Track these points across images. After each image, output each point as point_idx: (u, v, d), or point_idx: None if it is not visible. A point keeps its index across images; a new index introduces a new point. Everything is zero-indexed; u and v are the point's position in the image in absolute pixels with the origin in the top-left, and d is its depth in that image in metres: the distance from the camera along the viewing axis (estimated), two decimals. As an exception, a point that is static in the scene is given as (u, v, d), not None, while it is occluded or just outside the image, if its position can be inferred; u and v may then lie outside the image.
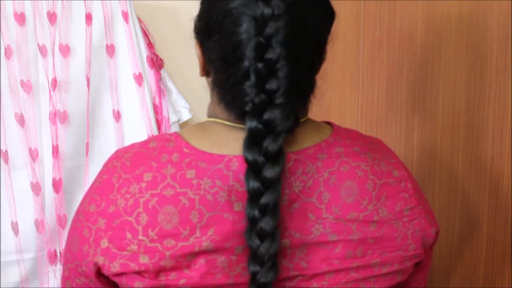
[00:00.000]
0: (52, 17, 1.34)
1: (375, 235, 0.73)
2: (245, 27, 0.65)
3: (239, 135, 0.70)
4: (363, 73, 1.41)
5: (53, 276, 1.36)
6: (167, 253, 0.67)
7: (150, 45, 1.47)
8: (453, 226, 1.22)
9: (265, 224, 0.65)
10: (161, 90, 1.47)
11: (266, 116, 0.65)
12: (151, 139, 0.74)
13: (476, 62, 1.14)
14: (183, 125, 1.56)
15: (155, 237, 0.67)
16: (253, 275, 0.67)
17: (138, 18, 1.45)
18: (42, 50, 1.34)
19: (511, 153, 1.10)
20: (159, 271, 0.67)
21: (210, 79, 0.74)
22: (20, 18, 1.31)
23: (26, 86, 1.32)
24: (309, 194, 0.70)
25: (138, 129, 1.43)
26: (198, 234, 0.67)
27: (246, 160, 0.66)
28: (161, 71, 1.48)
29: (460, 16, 1.16)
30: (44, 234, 1.33)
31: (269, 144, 0.65)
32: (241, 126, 0.71)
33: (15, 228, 1.31)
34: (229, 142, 0.71)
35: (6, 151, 1.31)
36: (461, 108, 1.18)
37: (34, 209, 1.33)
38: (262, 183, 0.65)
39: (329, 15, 0.73)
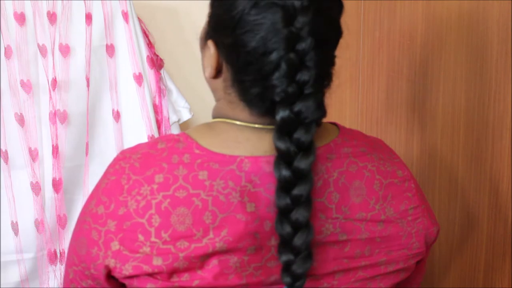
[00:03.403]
0: (52, 17, 1.34)
1: (382, 234, 0.74)
2: (276, 18, 0.65)
3: (250, 135, 0.71)
4: (363, 73, 1.41)
5: (53, 276, 1.35)
6: (181, 255, 0.66)
7: (150, 45, 1.47)
8: (453, 226, 1.22)
9: (300, 215, 0.66)
10: (161, 90, 1.47)
11: (298, 106, 0.65)
12: (158, 140, 0.73)
13: (476, 62, 1.14)
14: (183, 125, 1.56)
15: (168, 239, 0.66)
16: (287, 265, 0.67)
17: (138, 18, 1.44)
18: (42, 50, 1.34)
19: (511, 153, 1.10)
20: (172, 273, 0.67)
21: (222, 79, 0.73)
22: (20, 18, 1.31)
23: (26, 86, 1.32)
24: (319, 194, 0.71)
25: (138, 129, 1.43)
26: (211, 235, 0.67)
27: (278, 149, 0.65)
28: (161, 71, 1.48)
29: (460, 16, 1.16)
30: (44, 234, 1.33)
31: (301, 135, 0.65)
32: (252, 125, 0.71)
33: (15, 228, 1.31)
34: (240, 143, 0.70)
35: (6, 151, 1.31)
36: (461, 108, 1.18)
37: (34, 209, 1.32)
38: (294, 173, 0.65)
39: (341, 9, 0.74)
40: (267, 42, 0.66)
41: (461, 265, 1.21)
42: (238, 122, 0.72)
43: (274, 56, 0.65)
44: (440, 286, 1.27)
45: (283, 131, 0.66)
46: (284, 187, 0.66)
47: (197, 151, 0.69)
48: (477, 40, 1.14)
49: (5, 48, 1.30)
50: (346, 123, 1.42)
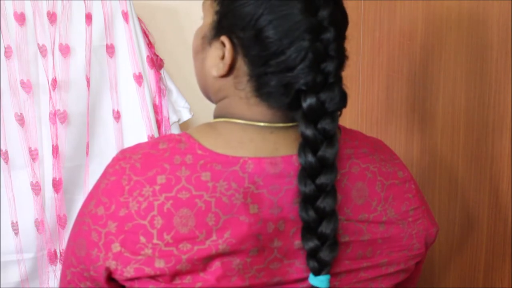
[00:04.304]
0: (52, 17, 1.34)
1: (383, 236, 0.74)
2: (299, 8, 0.66)
3: (253, 136, 0.70)
4: (363, 73, 1.41)
5: (53, 276, 1.35)
6: (184, 257, 0.66)
7: (150, 45, 1.47)
8: (453, 226, 1.22)
9: (327, 204, 0.67)
10: (161, 90, 1.46)
11: (324, 95, 0.66)
12: (160, 140, 0.72)
13: (476, 62, 1.14)
14: (183, 125, 1.56)
15: (170, 241, 0.66)
16: (314, 251, 0.67)
17: (138, 18, 1.44)
18: (42, 50, 1.33)
19: (511, 153, 1.10)
20: (174, 275, 0.66)
21: (232, 76, 0.72)
22: (20, 18, 1.31)
23: (26, 86, 1.32)
24: None
25: (138, 129, 1.43)
26: (214, 237, 0.66)
27: (305, 136, 0.66)
28: (161, 71, 1.48)
29: (460, 16, 1.16)
30: (44, 234, 1.33)
31: (327, 124, 0.66)
32: (257, 123, 0.71)
33: (15, 228, 1.31)
34: (243, 144, 0.70)
35: (6, 151, 1.31)
36: (461, 108, 1.18)
37: (34, 209, 1.32)
38: (319, 161, 0.66)
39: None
40: (292, 33, 0.66)
41: (461, 265, 1.21)
42: (241, 121, 0.71)
43: (301, 46, 0.66)
44: (440, 286, 1.27)
45: (309, 119, 0.66)
46: (309, 174, 0.66)
47: (199, 152, 0.69)
48: (477, 40, 1.14)
49: (5, 48, 1.30)
50: (346, 123, 1.42)
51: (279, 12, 0.66)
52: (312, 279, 0.68)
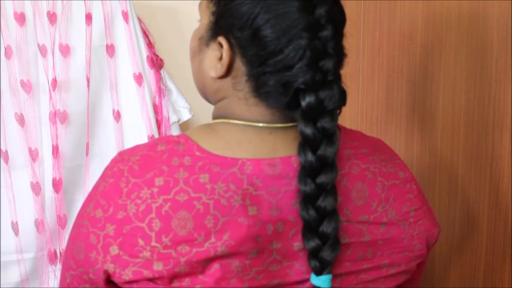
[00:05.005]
0: (52, 17, 1.34)
1: (384, 237, 0.73)
2: (296, 6, 0.66)
3: (252, 137, 0.70)
4: (363, 73, 1.41)
5: (53, 276, 1.35)
6: (182, 260, 0.65)
7: (150, 45, 1.47)
8: (453, 226, 1.22)
9: (327, 203, 0.66)
10: (161, 90, 1.46)
11: (323, 94, 0.66)
12: (158, 141, 0.72)
13: (476, 62, 1.14)
14: (183, 125, 1.56)
15: (168, 244, 0.65)
16: (315, 251, 0.67)
17: (138, 18, 1.44)
18: (42, 50, 1.33)
19: (511, 153, 1.10)
20: (173, 278, 0.66)
21: (230, 77, 0.72)
22: (20, 18, 1.31)
23: (26, 86, 1.32)
24: None
25: (138, 129, 1.43)
26: (213, 239, 0.66)
27: (304, 135, 0.66)
28: (161, 71, 1.48)
29: (460, 16, 1.17)
30: (44, 234, 1.33)
31: (326, 123, 0.66)
32: (255, 124, 0.70)
33: (15, 228, 1.31)
34: (242, 145, 0.69)
35: (6, 151, 1.31)
36: (461, 108, 1.18)
37: (34, 209, 1.32)
38: (319, 160, 0.66)
39: None
40: (290, 31, 0.66)
41: (461, 265, 1.21)
42: (240, 122, 0.71)
43: (299, 44, 0.66)
44: (440, 286, 1.27)
45: (308, 117, 0.66)
46: (309, 173, 0.66)
47: (198, 154, 0.68)
48: (477, 40, 1.14)
49: (5, 48, 1.30)
50: (346, 123, 1.42)
51: (276, 11, 0.66)
52: (314, 279, 0.68)
